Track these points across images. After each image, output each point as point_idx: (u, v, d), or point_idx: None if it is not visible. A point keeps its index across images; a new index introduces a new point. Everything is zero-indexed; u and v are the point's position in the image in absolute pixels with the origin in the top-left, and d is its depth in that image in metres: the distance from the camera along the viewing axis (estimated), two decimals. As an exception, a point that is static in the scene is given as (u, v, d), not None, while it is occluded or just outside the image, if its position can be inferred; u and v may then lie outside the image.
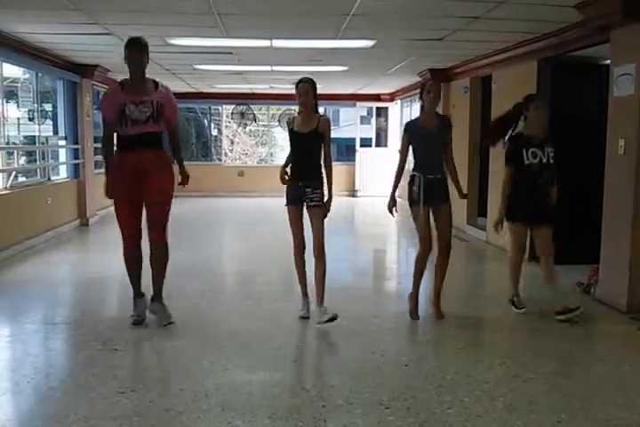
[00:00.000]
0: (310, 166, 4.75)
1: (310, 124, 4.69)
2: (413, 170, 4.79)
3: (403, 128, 4.88)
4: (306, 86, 4.69)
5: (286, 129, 4.91)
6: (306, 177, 4.74)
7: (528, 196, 4.89)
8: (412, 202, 4.75)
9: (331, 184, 4.78)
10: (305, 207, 4.81)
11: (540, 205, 4.93)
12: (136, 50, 4.48)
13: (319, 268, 4.74)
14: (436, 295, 4.95)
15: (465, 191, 5.09)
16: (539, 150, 4.80)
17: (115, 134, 4.63)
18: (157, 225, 4.65)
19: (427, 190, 4.67)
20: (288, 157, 4.97)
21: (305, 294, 4.94)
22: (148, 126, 4.46)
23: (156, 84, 4.60)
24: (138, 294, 4.88)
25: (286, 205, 4.85)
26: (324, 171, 4.78)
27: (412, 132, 4.80)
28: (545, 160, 4.79)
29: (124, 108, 4.41)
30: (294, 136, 4.77)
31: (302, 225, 4.81)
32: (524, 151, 4.79)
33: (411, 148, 4.80)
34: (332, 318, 4.57)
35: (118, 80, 4.73)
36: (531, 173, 4.81)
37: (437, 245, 4.86)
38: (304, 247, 4.84)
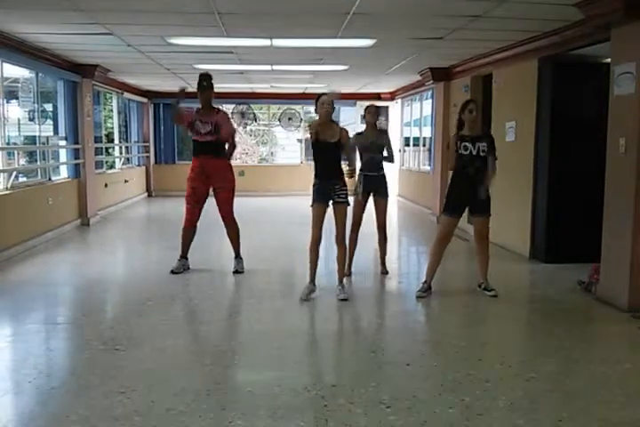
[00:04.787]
0: (334, 169, 5.47)
1: (334, 135, 5.40)
2: (360, 169, 6.24)
3: (353, 135, 6.12)
4: (328, 99, 5.39)
5: (308, 134, 5.58)
6: (331, 177, 5.44)
7: (461, 187, 5.53)
8: (355, 193, 6.24)
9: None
10: (331, 203, 5.43)
11: (473, 196, 5.48)
12: (204, 90, 6.20)
13: (342, 252, 5.54)
14: (382, 261, 6.55)
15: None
16: (470, 144, 5.48)
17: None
18: (224, 206, 6.39)
19: (366, 185, 6.20)
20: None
21: (312, 281, 5.48)
22: (207, 137, 6.25)
23: (218, 110, 6.41)
24: (183, 256, 6.51)
25: (312, 205, 5.43)
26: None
27: (358, 140, 6.20)
28: (475, 152, 5.46)
29: (194, 124, 6.25)
30: (320, 144, 5.40)
31: (323, 223, 5.42)
32: (458, 144, 5.52)
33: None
34: (345, 299, 5.39)
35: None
36: (462, 162, 5.49)
37: (376, 225, 6.39)
38: (320, 242, 5.43)
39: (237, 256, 6.58)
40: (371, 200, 6.35)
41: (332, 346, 4.59)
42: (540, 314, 5.34)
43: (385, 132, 6.61)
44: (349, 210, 5.75)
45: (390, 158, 6.52)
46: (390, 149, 6.47)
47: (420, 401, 3.35)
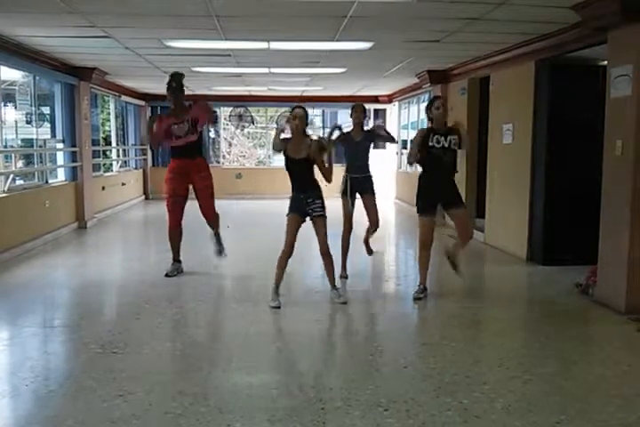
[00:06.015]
0: (307, 182, 5.30)
1: (302, 150, 5.20)
2: (345, 171, 6.24)
3: (338, 135, 6.00)
4: (301, 112, 5.23)
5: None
6: (305, 190, 5.29)
7: (430, 183, 5.51)
8: (343, 195, 6.22)
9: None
10: (309, 218, 5.30)
11: (446, 187, 5.50)
12: (174, 88, 6.08)
13: (328, 262, 5.40)
14: (366, 240, 6.61)
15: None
16: (442, 137, 5.48)
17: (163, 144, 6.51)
18: (207, 201, 6.39)
19: (352, 186, 6.15)
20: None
21: (277, 288, 5.34)
22: (183, 139, 6.14)
23: (189, 106, 6.23)
24: (176, 259, 6.52)
25: (288, 214, 5.31)
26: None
27: (343, 140, 6.09)
28: (447, 145, 5.47)
29: (170, 129, 6.11)
30: (289, 161, 5.27)
31: (296, 234, 5.28)
32: (430, 137, 5.48)
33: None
34: (344, 302, 5.37)
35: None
36: (434, 155, 5.47)
37: (369, 222, 6.36)
38: (292, 253, 5.30)
39: (216, 235, 6.67)
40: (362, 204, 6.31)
41: (329, 349, 4.59)
42: (537, 316, 5.34)
43: (371, 132, 6.48)
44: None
45: (391, 139, 6.54)
46: (384, 137, 6.47)
47: (417, 404, 3.35)
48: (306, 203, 5.27)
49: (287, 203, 5.35)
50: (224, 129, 17.64)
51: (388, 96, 14.61)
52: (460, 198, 5.61)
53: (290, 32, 6.75)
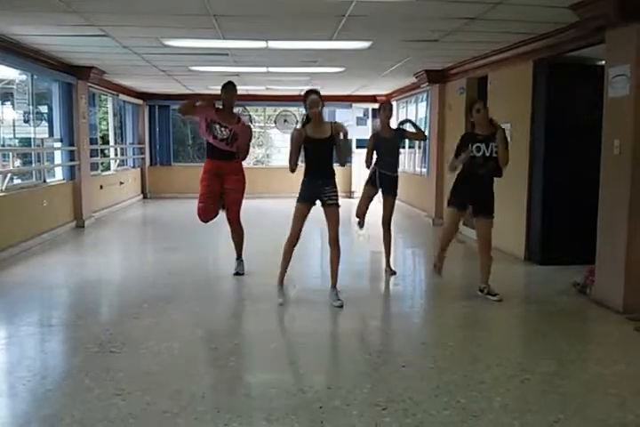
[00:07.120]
0: (326, 166, 5.27)
1: (326, 131, 5.20)
2: (375, 164, 6.36)
3: (370, 136, 6.50)
4: (317, 99, 5.20)
5: (291, 133, 5.35)
6: (322, 175, 5.25)
7: (468, 184, 5.49)
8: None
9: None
10: (321, 205, 5.26)
11: (480, 195, 5.47)
12: (230, 91, 6.20)
13: (335, 254, 5.32)
14: (387, 261, 6.60)
15: None
16: (483, 145, 5.38)
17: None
18: (233, 207, 6.34)
19: (380, 181, 6.32)
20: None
21: (282, 282, 5.41)
22: (223, 144, 6.16)
23: (239, 118, 6.35)
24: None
25: (298, 202, 5.26)
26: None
27: (374, 140, 6.33)
28: (488, 154, 5.38)
29: (211, 125, 6.12)
30: (312, 143, 5.19)
31: (304, 222, 5.27)
32: (470, 146, 5.40)
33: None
34: (341, 306, 5.21)
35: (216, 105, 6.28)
36: (475, 165, 5.41)
37: (381, 220, 6.54)
38: (297, 242, 5.33)
39: (239, 258, 6.56)
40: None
41: (327, 348, 4.59)
42: (535, 315, 5.34)
43: (400, 130, 6.50)
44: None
45: (421, 134, 6.66)
46: (413, 133, 6.53)
47: (415, 403, 3.35)
48: (322, 189, 5.23)
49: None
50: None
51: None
52: (491, 208, 5.54)
53: (288, 31, 6.74)
